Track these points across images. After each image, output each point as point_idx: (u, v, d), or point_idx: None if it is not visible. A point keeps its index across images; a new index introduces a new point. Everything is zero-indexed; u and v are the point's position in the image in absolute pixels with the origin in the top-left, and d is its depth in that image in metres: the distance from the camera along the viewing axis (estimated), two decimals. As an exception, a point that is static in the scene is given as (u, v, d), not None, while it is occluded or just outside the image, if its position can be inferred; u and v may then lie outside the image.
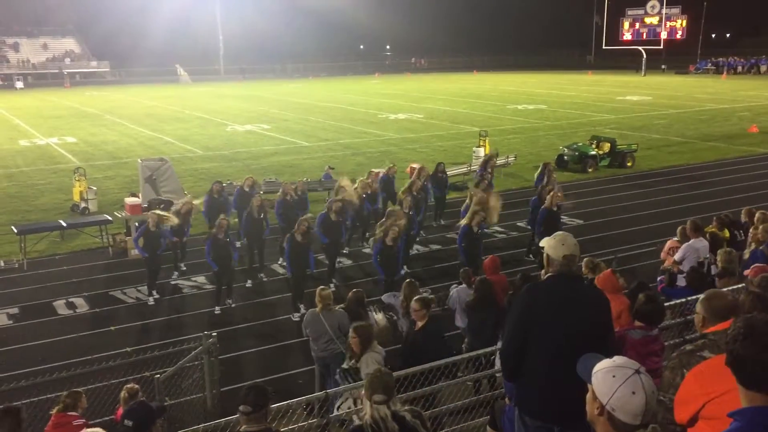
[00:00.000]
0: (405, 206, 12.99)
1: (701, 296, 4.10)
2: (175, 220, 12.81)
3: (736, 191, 19.49)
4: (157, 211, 12.83)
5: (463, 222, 11.75)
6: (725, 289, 5.61)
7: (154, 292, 12.29)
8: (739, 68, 79.26)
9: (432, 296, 9.17)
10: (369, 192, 14.69)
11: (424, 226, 15.43)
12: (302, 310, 10.95)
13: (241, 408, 4.33)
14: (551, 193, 12.75)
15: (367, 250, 14.34)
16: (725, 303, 3.95)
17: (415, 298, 7.63)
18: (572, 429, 4.11)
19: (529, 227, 14.24)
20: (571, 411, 3.95)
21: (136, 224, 13.15)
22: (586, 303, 4.28)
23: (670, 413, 3.24)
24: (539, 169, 16.51)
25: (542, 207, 12.66)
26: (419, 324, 7.46)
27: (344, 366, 6.90)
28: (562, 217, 14.37)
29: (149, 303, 12.14)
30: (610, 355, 2.69)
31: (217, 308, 11.77)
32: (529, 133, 32.60)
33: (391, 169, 16.81)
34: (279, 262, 13.89)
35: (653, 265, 11.59)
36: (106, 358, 9.28)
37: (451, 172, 21.31)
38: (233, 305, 11.90)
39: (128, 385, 6.73)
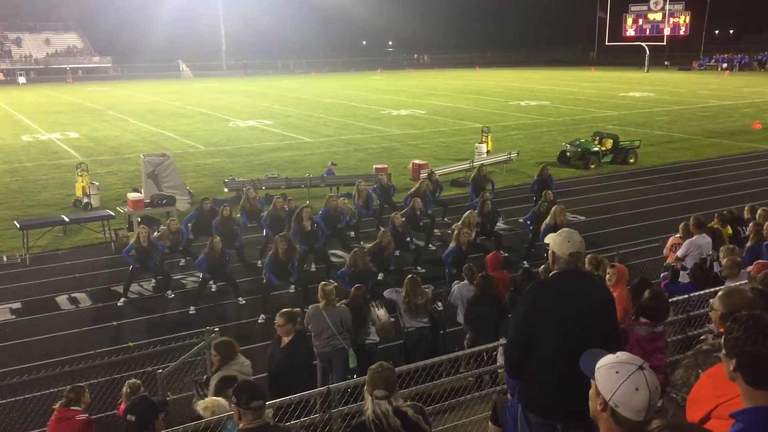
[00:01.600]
0: (398, 224, 12.88)
1: (720, 292, 4.04)
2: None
3: (739, 188, 19.46)
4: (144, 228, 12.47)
5: (452, 244, 11.63)
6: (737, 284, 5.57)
7: (170, 293, 12.36)
8: (737, 65, 78.74)
9: (428, 289, 9.18)
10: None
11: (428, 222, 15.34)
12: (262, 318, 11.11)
13: (254, 404, 4.30)
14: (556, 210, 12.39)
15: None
16: (745, 300, 3.89)
17: (279, 312, 7.19)
18: (576, 426, 4.10)
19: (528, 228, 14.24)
20: (575, 408, 3.94)
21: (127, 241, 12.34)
22: (591, 300, 4.26)
23: (681, 411, 3.24)
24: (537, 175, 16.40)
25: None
26: (285, 340, 7.04)
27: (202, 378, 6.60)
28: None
29: (169, 296, 12.23)
30: (613, 351, 2.68)
31: (214, 287, 12.14)
32: (532, 129, 32.55)
33: (382, 177, 16.59)
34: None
35: (656, 262, 11.57)
36: (108, 353, 9.30)
37: (453, 168, 21.34)
38: (242, 302, 11.91)
39: (130, 381, 6.74)
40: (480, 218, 13.22)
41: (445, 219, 16.39)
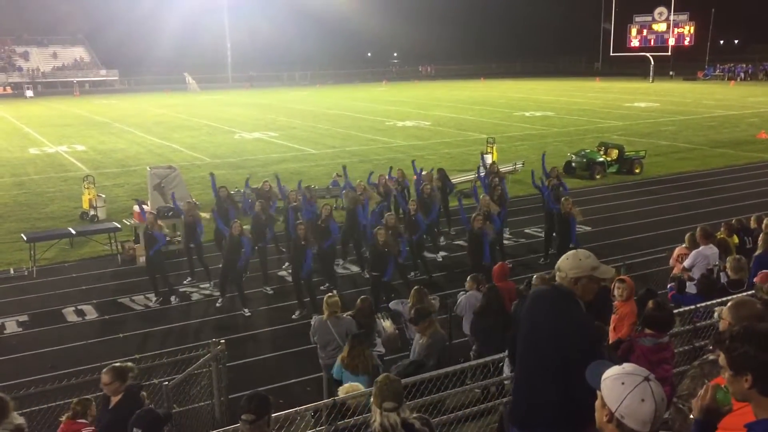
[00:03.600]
0: (411, 209, 13.14)
1: (729, 303, 4.03)
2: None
3: (745, 198, 19.40)
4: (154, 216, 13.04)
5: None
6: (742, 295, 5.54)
7: (158, 298, 12.57)
8: (741, 75, 78.54)
9: (435, 299, 9.16)
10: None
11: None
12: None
13: (243, 417, 4.34)
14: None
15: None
16: (754, 311, 3.87)
17: (107, 368, 5.98)
18: None
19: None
20: (534, 420, 3.93)
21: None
22: (565, 321, 3.94)
23: (688, 422, 3.22)
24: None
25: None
26: (113, 400, 5.89)
27: None
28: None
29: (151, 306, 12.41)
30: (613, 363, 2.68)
31: (219, 301, 12.36)
32: (537, 139, 32.56)
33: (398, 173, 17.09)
34: (284, 267, 14.12)
35: (662, 272, 11.53)
36: (114, 365, 9.29)
37: (458, 179, 21.31)
38: (248, 313, 11.91)
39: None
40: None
41: (452, 231, 16.38)
